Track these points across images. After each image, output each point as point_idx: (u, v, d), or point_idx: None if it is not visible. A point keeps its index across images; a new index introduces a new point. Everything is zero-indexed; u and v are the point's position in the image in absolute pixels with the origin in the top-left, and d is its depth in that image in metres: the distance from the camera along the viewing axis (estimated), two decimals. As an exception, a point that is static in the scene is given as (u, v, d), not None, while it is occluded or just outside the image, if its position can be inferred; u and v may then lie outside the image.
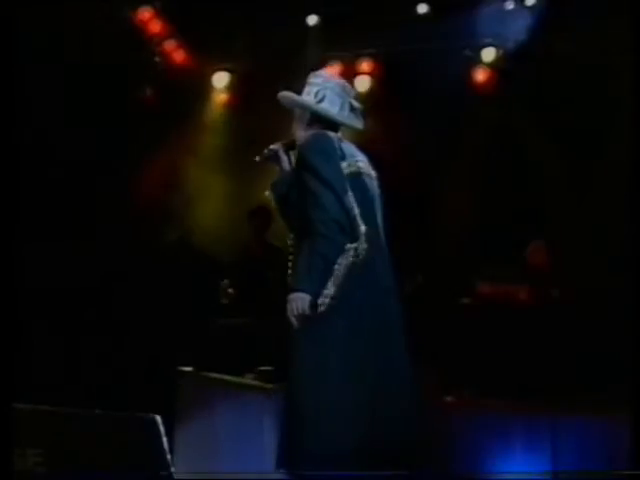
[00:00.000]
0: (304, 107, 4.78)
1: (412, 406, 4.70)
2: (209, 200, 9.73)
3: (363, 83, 10.09)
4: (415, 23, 9.51)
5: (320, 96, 4.73)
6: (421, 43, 9.56)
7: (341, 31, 9.86)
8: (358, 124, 4.88)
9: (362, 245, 4.44)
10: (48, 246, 8.56)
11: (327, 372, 4.40)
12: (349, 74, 10.13)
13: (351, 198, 4.49)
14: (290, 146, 4.90)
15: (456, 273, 8.78)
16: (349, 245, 4.40)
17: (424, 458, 5.31)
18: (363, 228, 4.47)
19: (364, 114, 4.91)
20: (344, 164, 4.60)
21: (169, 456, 4.28)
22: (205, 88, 10.32)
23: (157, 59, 10.11)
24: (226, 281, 8.29)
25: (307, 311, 4.34)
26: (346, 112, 4.80)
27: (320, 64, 10.09)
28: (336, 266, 4.35)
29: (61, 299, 8.55)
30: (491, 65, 9.66)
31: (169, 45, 10.07)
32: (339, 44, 10.03)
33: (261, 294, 8.22)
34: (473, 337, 7.90)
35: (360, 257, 4.42)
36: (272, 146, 4.90)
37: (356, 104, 4.89)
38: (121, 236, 8.88)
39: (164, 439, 4.20)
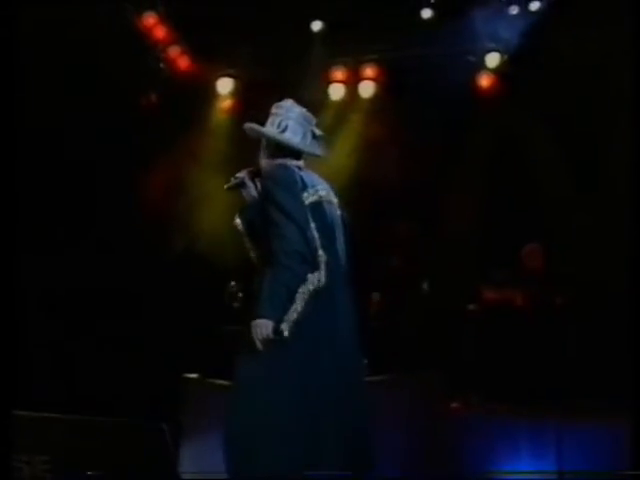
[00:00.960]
0: (267, 137, 4.96)
1: (368, 429, 4.88)
2: (214, 205, 9.74)
3: (367, 89, 10.12)
4: (419, 28, 9.51)
5: (283, 126, 4.92)
6: (425, 48, 9.58)
7: (345, 37, 9.88)
8: (319, 152, 5.06)
9: (322, 274, 4.65)
10: (52, 254, 8.57)
11: (282, 394, 4.59)
12: (353, 80, 10.18)
13: (313, 228, 4.69)
14: (256, 173, 5.05)
15: (461, 279, 8.79)
16: (310, 275, 4.61)
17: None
18: (324, 258, 4.68)
19: (326, 141, 5.10)
20: (305, 194, 4.78)
21: (176, 463, 4.29)
22: (209, 94, 10.32)
23: (162, 65, 10.12)
24: (234, 283, 8.29)
25: (270, 336, 4.52)
26: (308, 140, 4.98)
27: (324, 70, 10.17)
28: (297, 294, 4.57)
29: (68, 307, 8.57)
30: (495, 70, 9.65)
31: (173, 51, 10.09)
32: (343, 50, 10.05)
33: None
34: (479, 343, 7.92)
35: (321, 285, 4.63)
36: (239, 174, 5.06)
37: (318, 132, 5.06)
38: (127, 243, 8.89)
39: (171, 447, 4.22)
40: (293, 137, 4.93)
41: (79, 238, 8.82)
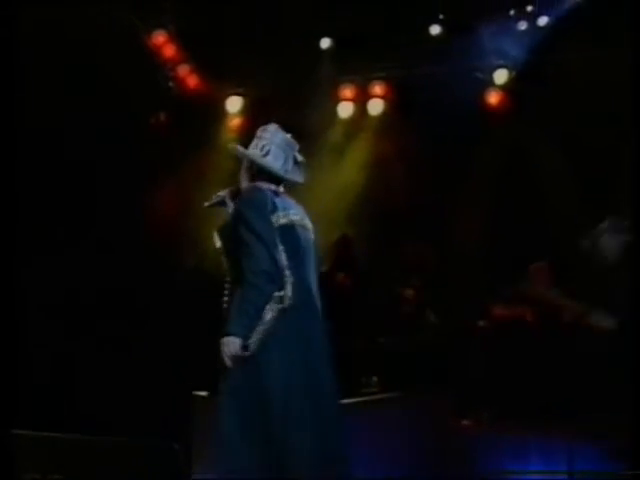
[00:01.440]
0: (250, 160, 5.09)
1: (341, 442, 5.00)
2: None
3: (376, 106, 10.14)
4: (428, 45, 9.53)
5: (265, 150, 5.04)
6: (434, 65, 9.60)
7: (354, 54, 9.90)
8: (299, 178, 5.18)
9: (288, 293, 4.81)
10: (62, 267, 8.57)
11: (252, 407, 4.77)
12: (362, 97, 10.20)
13: (281, 249, 4.85)
14: (236, 193, 5.18)
15: (471, 295, 8.78)
16: (276, 293, 4.78)
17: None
18: (290, 279, 4.84)
19: (306, 167, 5.17)
20: (275, 216, 4.93)
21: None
22: (218, 112, 10.35)
23: (171, 84, 10.14)
24: None
25: (238, 352, 4.71)
26: (289, 166, 5.10)
27: (333, 87, 10.19)
28: (265, 312, 4.75)
29: (75, 321, 8.56)
30: (503, 87, 9.66)
31: (183, 70, 10.12)
32: (352, 67, 10.07)
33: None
34: (489, 359, 7.90)
35: (287, 304, 4.80)
36: (220, 192, 5.20)
37: (300, 158, 5.16)
38: (136, 261, 8.90)
39: (184, 467, 4.22)
40: (274, 162, 5.06)
41: (86, 256, 8.81)
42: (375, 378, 7.60)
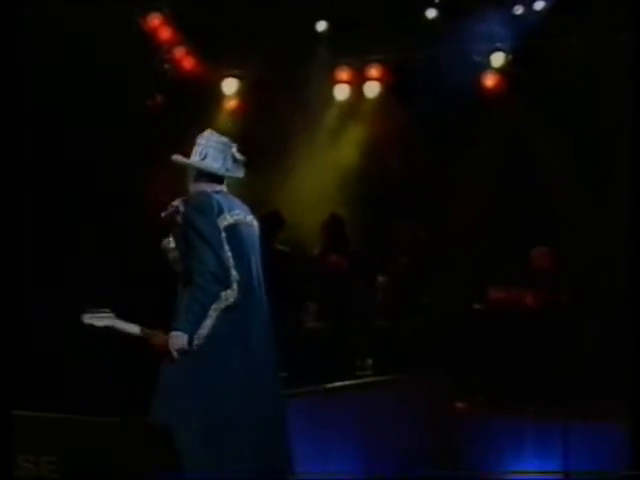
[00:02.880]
0: (190, 166, 5.36)
1: (282, 440, 5.28)
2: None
3: (372, 89, 10.11)
4: (424, 28, 9.50)
5: (203, 154, 5.33)
6: (430, 48, 9.57)
7: (350, 37, 9.88)
8: (239, 173, 5.44)
9: (234, 292, 5.12)
10: (69, 262, 8.55)
11: (195, 400, 5.04)
12: (358, 80, 10.18)
13: (227, 250, 5.14)
14: (188, 201, 5.44)
15: (468, 279, 8.78)
16: (222, 293, 5.08)
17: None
18: (236, 277, 5.14)
19: (247, 163, 5.43)
20: (221, 217, 5.19)
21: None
22: (215, 94, 10.33)
23: (166, 66, 10.12)
24: (311, 304, 8.48)
25: (185, 347, 5.05)
26: (229, 164, 5.37)
27: (329, 70, 10.17)
28: (210, 311, 5.07)
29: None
30: (500, 70, 9.64)
31: (179, 52, 10.09)
32: (348, 50, 10.04)
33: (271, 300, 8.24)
34: (485, 343, 7.91)
35: (232, 302, 5.10)
36: (174, 202, 5.43)
37: (238, 156, 5.42)
38: (136, 245, 8.87)
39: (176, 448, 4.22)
40: (213, 163, 5.33)
41: (82, 241, 8.79)
42: (370, 361, 7.61)
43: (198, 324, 5.05)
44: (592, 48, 8.92)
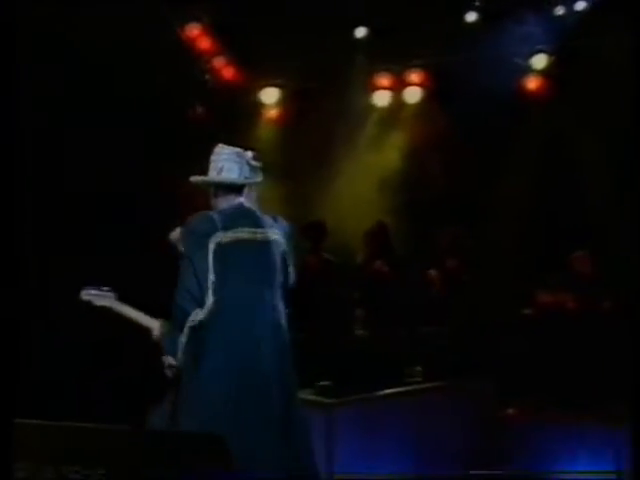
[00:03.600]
0: (208, 182, 5.40)
1: (304, 447, 5.23)
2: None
3: (413, 94, 10.06)
4: (464, 32, 9.44)
5: (218, 168, 5.36)
6: (470, 52, 9.51)
7: (390, 43, 9.83)
8: (257, 178, 5.45)
9: (205, 310, 5.10)
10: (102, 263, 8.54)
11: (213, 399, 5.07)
12: (398, 86, 10.13)
13: (210, 269, 5.12)
14: None
15: (515, 283, 8.69)
16: (196, 310, 5.10)
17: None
18: (212, 297, 5.12)
19: (265, 168, 5.45)
20: (216, 237, 5.17)
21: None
22: (255, 104, 10.32)
23: (206, 76, 10.12)
24: (360, 310, 8.46)
25: (171, 364, 5.19)
26: (246, 172, 5.38)
27: (369, 76, 10.13)
28: (185, 328, 5.12)
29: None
30: (542, 72, 9.55)
31: (218, 62, 10.09)
32: (388, 56, 9.99)
33: (319, 309, 8.22)
34: (534, 347, 7.83)
35: (197, 321, 5.09)
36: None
37: (254, 163, 5.42)
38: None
39: (232, 458, 4.18)
40: (230, 175, 5.34)
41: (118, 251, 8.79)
42: (418, 368, 7.55)
43: (177, 342, 5.14)
44: (635, 47, 8.80)
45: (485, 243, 9.23)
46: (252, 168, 5.39)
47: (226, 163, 5.33)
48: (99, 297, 5.46)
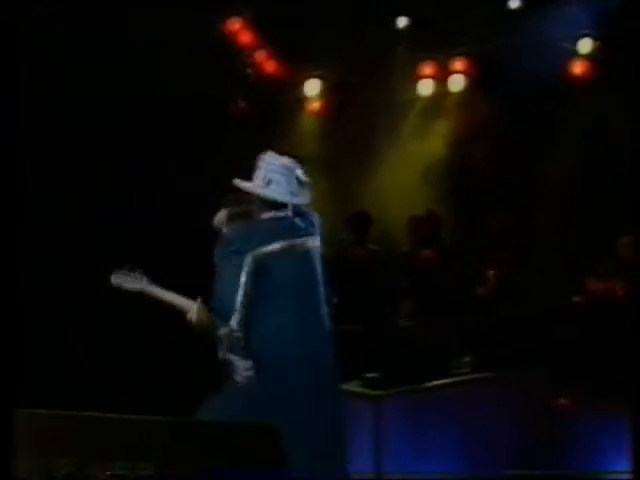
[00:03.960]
0: (252, 193, 5.20)
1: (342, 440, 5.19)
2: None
3: (457, 83, 9.97)
4: (507, 18, 9.33)
5: (267, 180, 5.13)
6: (514, 38, 9.38)
7: (432, 31, 9.75)
8: (304, 199, 5.26)
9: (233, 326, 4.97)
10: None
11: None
12: (442, 74, 10.04)
13: (240, 286, 4.97)
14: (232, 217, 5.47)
15: (564, 270, 8.57)
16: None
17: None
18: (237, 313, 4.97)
19: (311, 187, 5.26)
20: (250, 254, 5.01)
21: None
22: (298, 97, 10.28)
23: (248, 70, 10.10)
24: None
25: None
26: (294, 188, 5.18)
27: (412, 66, 10.05)
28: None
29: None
30: (588, 56, 9.41)
31: (260, 55, 10.07)
32: (431, 45, 9.91)
33: (365, 300, 8.17)
34: (585, 336, 7.70)
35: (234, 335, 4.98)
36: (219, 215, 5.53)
37: (303, 178, 5.24)
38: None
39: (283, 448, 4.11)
40: (277, 189, 5.14)
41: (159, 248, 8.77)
42: (467, 358, 7.46)
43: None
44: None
45: (532, 230, 9.10)
46: (300, 184, 5.21)
47: (275, 176, 5.12)
48: (130, 280, 5.29)
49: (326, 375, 5.14)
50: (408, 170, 9.83)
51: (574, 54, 9.45)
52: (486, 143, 9.74)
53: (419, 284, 8.59)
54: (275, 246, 5.08)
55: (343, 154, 9.93)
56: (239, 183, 5.21)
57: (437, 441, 6.87)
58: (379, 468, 6.55)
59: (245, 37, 9.94)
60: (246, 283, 4.97)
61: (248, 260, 4.99)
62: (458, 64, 9.94)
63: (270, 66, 10.12)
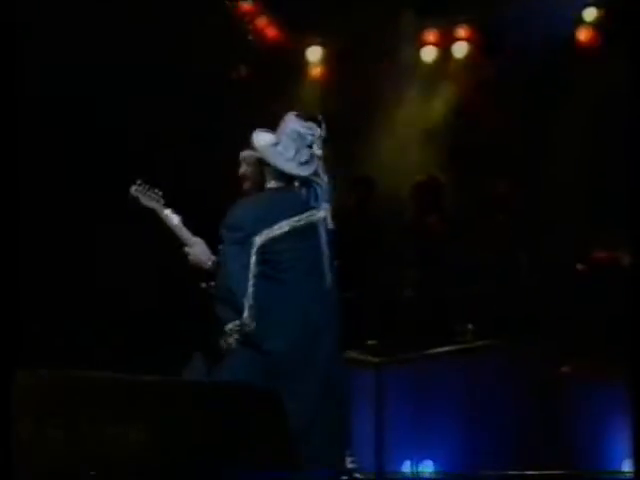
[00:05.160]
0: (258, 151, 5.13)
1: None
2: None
3: (461, 49, 9.88)
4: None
5: (275, 142, 5.06)
6: (519, 5, 9.28)
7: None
8: (306, 172, 5.09)
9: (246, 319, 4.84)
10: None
11: None
12: (446, 41, 9.95)
13: (251, 278, 4.86)
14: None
15: (569, 238, 8.50)
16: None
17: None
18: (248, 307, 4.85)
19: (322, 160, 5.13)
20: (258, 235, 4.92)
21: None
22: (299, 63, 10.20)
23: (249, 37, 10.01)
24: None
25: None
26: (303, 157, 5.06)
27: (416, 33, 9.95)
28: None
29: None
30: (593, 24, 9.32)
31: (261, 21, 9.97)
32: (434, 11, 9.80)
33: (365, 266, 8.09)
34: (589, 305, 7.64)
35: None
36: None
37: (317, 150, 5.10)
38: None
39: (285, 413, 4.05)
40: (283, 153, 5.03)
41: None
42: (470, 326, 7.41)
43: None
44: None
45: (535, 196, 9.02)
46: (311, 155, 5.05)
47: (284, 139, 5.01)
48: (148, 197, 5.35)
49: (333, 348, 5.01)
50: (412, 136, 9.75)
51: (578, 21, 9.36)
52: (490, 110, 9.65)
53: (423, 251, 8.52)
54: (282, 227, 4.96)
55: (345, 119, 9.83)
56: (257, 135, 5.10)
57: (438, 408, 6.85)
58: (380, 436, 6.53)
59: (245, 4, 9.87)
60: (255, 272, 4.86)
61: (255, 247, 4.89)
62: (462, 31, 9.84)
63: (271, 32, 10.03)
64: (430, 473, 6.88)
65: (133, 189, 5.36)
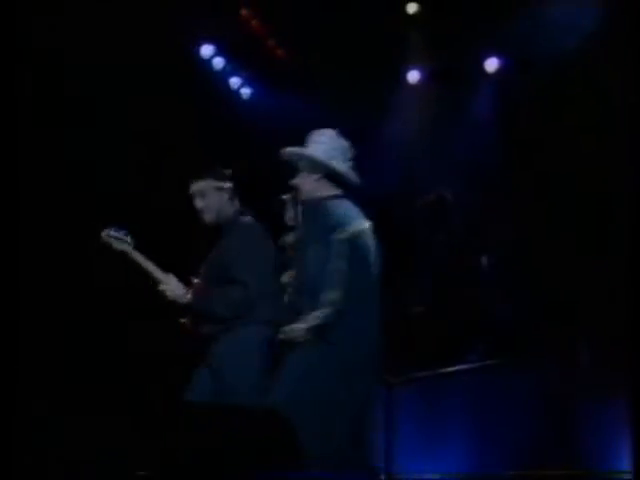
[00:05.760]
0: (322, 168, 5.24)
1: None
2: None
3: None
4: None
5: (331, 155, 5.22)
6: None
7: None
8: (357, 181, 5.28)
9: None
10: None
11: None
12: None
13: (342, 269, 4.98)
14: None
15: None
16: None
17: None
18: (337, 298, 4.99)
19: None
20: (349, 227, 5.08)
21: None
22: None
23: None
24: None
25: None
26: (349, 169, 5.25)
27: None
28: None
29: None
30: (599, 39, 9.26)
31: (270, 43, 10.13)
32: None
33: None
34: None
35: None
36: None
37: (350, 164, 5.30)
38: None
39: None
40: (342, 165, 5.26)
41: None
42: (481, 345, 7.43)
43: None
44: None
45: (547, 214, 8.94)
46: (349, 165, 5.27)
47: (339, 152, 5.19)
48: (118, 241, 5.56)
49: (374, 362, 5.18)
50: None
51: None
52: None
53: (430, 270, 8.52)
54: (364, 224, 5.12)
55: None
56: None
57: (448, 426, 6.84)
58: (390, 453, 6.53)
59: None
60: (345, 264, 4.97)
61: (346, 238, 5.01)
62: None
63: (280, 53, 10.12)
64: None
65: (104, 234, 5.59)
